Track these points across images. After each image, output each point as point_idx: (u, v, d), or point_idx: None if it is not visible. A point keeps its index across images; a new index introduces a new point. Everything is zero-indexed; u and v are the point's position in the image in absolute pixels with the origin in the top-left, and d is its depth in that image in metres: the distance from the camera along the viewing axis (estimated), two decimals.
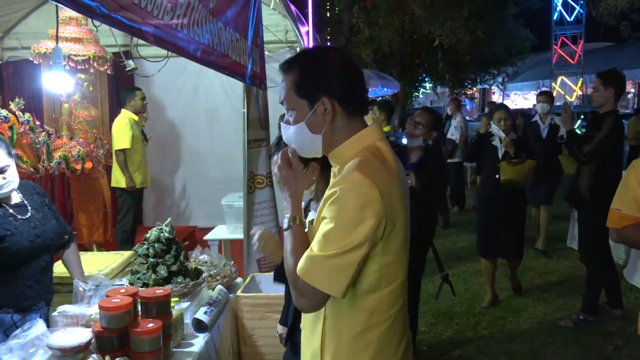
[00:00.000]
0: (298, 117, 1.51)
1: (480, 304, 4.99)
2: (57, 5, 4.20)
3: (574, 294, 5.04)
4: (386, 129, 5.69)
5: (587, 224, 4.40)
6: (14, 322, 2.24)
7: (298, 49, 6.91)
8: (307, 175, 2.11)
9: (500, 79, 21.25)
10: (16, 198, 2.34)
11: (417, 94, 20.11)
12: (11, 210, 2.26)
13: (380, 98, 13.57)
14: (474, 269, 6.00)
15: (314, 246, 1.41)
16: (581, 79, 17.96)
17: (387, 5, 13.59)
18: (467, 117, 10.93)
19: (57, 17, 4.26)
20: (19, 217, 2.29)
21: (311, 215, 2.18)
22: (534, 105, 7.02)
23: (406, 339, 1.56)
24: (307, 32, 7.15)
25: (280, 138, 2.94)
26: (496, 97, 26.62)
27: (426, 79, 19.67)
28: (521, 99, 27.05)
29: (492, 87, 24.14)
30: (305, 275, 1.40)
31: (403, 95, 16.13)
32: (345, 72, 1.50)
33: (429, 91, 22.29)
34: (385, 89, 12.33)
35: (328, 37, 10.39)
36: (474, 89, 23.71)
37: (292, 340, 2.19)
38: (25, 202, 2.36)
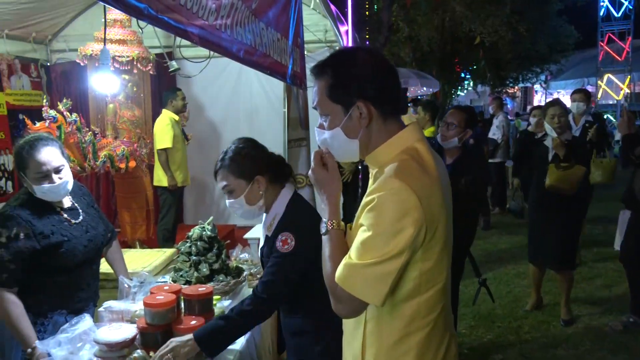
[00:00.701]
0: (333, 123, 1.48)
1: (523, 307, 4.87)
2: (104, 7, 4.31)
3: (621, 299, 4.88)
4: (430, 129, 5.60)
5: (637, 226, 4.24)
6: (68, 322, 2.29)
7: (337, 49, 6.89)
8: (253, 191, 2.05)
9: (543, 77, 20.71)
10: (68, 201, 2.37)
11: (457, 93, 19.81)
12: (65, 215, 2.30)
13: (420, 97, 13.44)
14: (516, 271, 5.88)
15: (353, 254, 1.39)
16: (629, 76, 17.36)
17: (426, 3, 13.43)
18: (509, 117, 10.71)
19: (105, 18, 4.37)
20: (73, 221, 2.32)
21: (265, 231, 2.12)
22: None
23: (447, 342, 1.53)
24: (347, 32, 7.14)
25: None
26: (539, 97, 26.00)
27: (466, 78, 19.36)
28: (565, 97, 26.39)
29: (535, 86, 23.56)
30: (344, 283, 1.39)
31: (443, 94, 15.92)
32: (379, 73, 1.46)
33: (467, 91, 21.94)
34: (424, 88, 12.18)
35: (367, 36, 10.33)
36: (516, 87, 23.20)
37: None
38: (76, 204, 2.39)
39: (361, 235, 1.38)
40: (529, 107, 23.60)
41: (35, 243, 2.16)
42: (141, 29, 4.72)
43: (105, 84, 4.51)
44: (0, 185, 5.81)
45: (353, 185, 6.09)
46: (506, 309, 4.88)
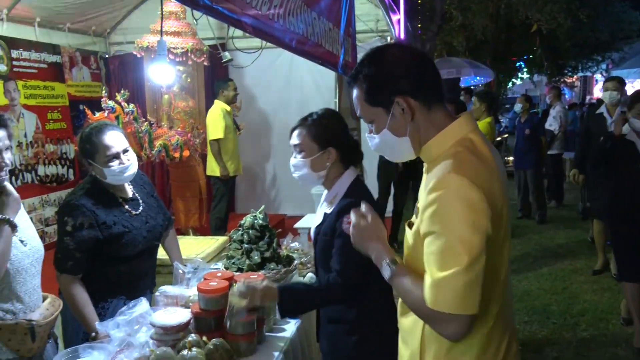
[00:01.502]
0: (379, 126, 1.45)
1: (580, 304, 4.71)
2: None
3: None
4: (486, 120, 5.46)
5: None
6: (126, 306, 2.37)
7: (389, 38, 6.83)
8: (321, 159, 2.06)
9: (604, 66, 19.82)
10: (129, 192, 2.42)
11: (512, 82, 19.26)
12: (127, 206, 2.36)
13: (474, 87, 13.14)
14: (572, 267, 5.69)
15: (432, 268, 1.30)
16: None
17: None
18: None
19: (162, 10, 4.46)
20: (133, 212, 2.37)
21: (324, 208, 2.14)
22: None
23: (508, 339, 1.47)
24: (398, 21, 7.04)
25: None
26: (599, 86, 24.95)
27: (522, 67, 18.78)
28: (628, 86, 25.18)
29: (595, 75, 22.61)
30: (436, 305, 1.29)
31: (497, 84, 15.52)
32: (410, 65, 1.42)
33: (523, 80, 21.29)
34: (478, 78, 11.91)
35: (419, 25, 10.16)
36: (575, 77, 22.34)
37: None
38: (137, 194, 2.45)
39: (434, 244, 1.30)
40: (588, 98, 22.72)
41: (98, 233, 2.23)
42: (195, 20, 4.81)
43: (161, 75, 4.63)
44: (63, 173, 6.07)
45: (405, 178, 6.03)
46: (562, 305, 4.73)
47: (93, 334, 2.11)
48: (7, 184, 1.91)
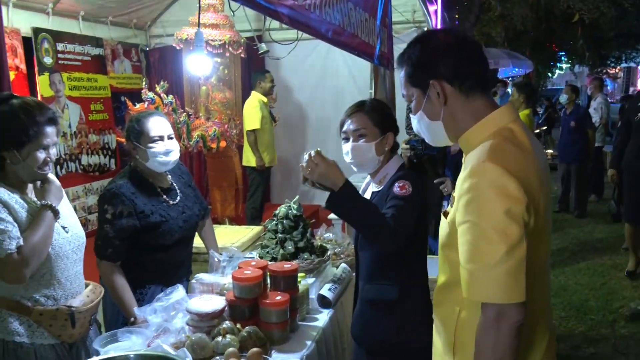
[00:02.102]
0: (417, 107, 1.48)
1: (619, 300, 4.57)
2: None
3: None
4: (525, 112, 5.33)
5: None
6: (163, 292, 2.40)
7: (425, 29, 6.72)
8: (382, 144, 2.08)
9: None
10: (167, 182, 2.46)
11: (551, 73, 18.73)
12: (165, 196, 2.40)
13: (511, 78, 12.84)
14: (612, 262, 5.53)
15: (468, 258, 1.27)
16: None
17: None
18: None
19: (200, 3, 4.50)
20: (171, 202, 2.41)
21: (372, 188, 2.15)
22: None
23: (549, 334, 1.43)
24: (435, 11, 6.92)
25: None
26: None
27: (562, 58, 18.23)
28: None
29: (639, 66, 21.80)
30: (476, 295, 1.27)
31: (536, 75, 15.12)
32: (450, 51, 1.42)
33: (565, 71, 20.69)
34: (516, 69, 11.61)
35: (457, 16, 9.97)
36: (618, 67, 21.59)
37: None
38: (174, 184, 2.48)
39: (468, 233, 1.28)
40: (631, 89, 21.93)
41: (136, 221, 2.27)
42: (232, 12, 4.82)
43: (199, 66, 4.67)
44: (105, 162, 6.22)
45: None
46: (600, 301, 4.60)
47: (132, 319, 2.16)
48: (50, 174, 1.96)
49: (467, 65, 1.42)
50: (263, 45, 5.75)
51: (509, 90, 11.05)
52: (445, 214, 1.45)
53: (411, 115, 1.54)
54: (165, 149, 2.30)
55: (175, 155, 2.35)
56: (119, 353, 1.69)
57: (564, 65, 19.28)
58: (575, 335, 4.05)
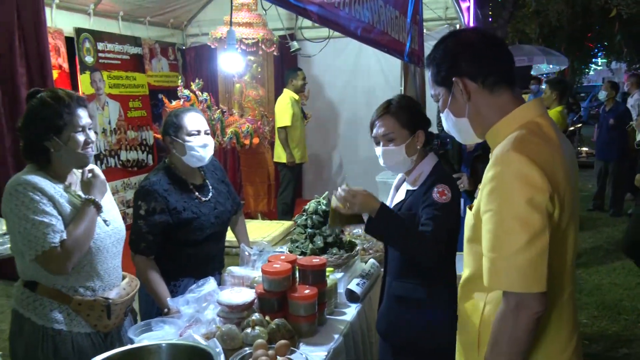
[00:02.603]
0: (443, 105, 1.49)
1: None
2: None
3: None
4: (557, 109, 5.20)
5: None
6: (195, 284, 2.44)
7: (458, 26, 6.62)
8: (413, 143, 2.03)
9: None
10: (200, 178, 2.48)
11: (587, 70, 18.24)
12: (197, 193, 2.42)
13: (545, 76, 12.56)
14: None
15: (490, 247, 1.26)
16: None
17: None
18: None
19: (231, 1, 4.53)
20: (203, 199, 2.42)
21: (406, 187, 2.10)
22: None
23: (577, 332, 1.40)
24: (468, 8, 6.81)
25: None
26: None
27: (599, 54, 17.73)
28: None
29: None
30: (497, 283, 1.26)
31: (571, 71, 14.74)
32: (471, 48, 1.42)
33: (601, 67, 20.09)
34: (550, 66, 11.35)
35: (490, 13, 9.80)
36: None
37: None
38: (207, 181, 2.50)
39: (491, 222, 1.27)
40: None
41: (168, 217, 2.30)
42: (265, 10, 4.85)
43: (231, 64, 4.71)
44: (142, 158, 6.35)
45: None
46: (635, 301, 4.46)
47: (165, 309, 2.19)
48: (95, 167, 2.00)
49: (489, 61, 1.41)
50: (295, 43, 5.77)
51: (543, 87, 10.76)
52: (471, 207, 1.44)
53: (442, 113, 1.54)
54: (202, 143, 2.33)
55: (210, 151, 2.38)
56: (152, 342, 1.73)
57: (601, 62, 18.74)
58: (609, 336, 3.94)
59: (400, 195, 2.12)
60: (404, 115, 2.04)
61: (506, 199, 1.24)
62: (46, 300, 1.85)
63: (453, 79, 1.42)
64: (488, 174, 1.29)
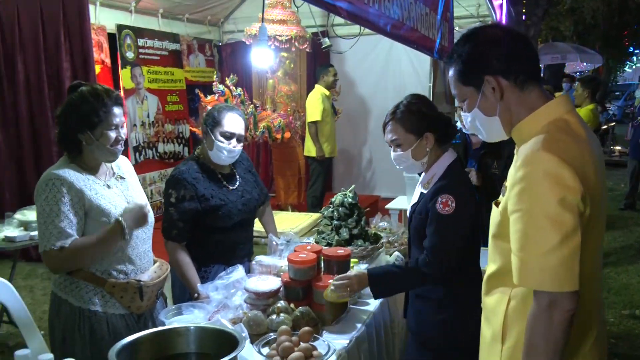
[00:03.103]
0: (471, 105, 1.42)
1: None
2: None
3: None
4: (589, 107, 5.07)
5: None
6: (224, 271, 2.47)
7: (490, 23, 6.50)
8: (421, 146, 1.98)
9: None
10: (228, 167, 2.50)
11: (623, 68, 17.66)
12: (224, 182, 2.44)
13: (578, 74, 12.22)
14: None
15: (520, 246, 1.23)
16: None
17: None
18: None
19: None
20: (230, 187, 2.45)
21: (421, 188, 2.06)
22: None
23: (597, 329, 1.37)
24: (500, 5, 6.68)
25: None
26: None
27: (635, 53, 17.14)
28: None
29: None
30: (528, 283, 1.24)
31: (606, 70, 14.31)
32: (503, 45, 1.36)
33: (638, 65, 19.43)
34: (584, 64, 11.04)
35: (523, 10, 9.57)
36: None
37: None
38: (234, 170, 2.53)
39: (521, 222, 1.23)
40: None
41: (197, 205, 2.33)
42: (297, 7, 4.85)
43: (263, 59, 4.74)
44: (179, 150, 6.46)
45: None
46: None
47: (195, 294, 2.23)
48: (147, 205, 2.02)
49: (519, 58, 1.37)
50: (326, 39, 5.77)
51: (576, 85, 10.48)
52: (497, 204, 1.41)
53: (462, 114, 1.50)
54: (230, 148, 2.35)
55: (234, 158, 2.41)
56: (181, 325, 1.77)
57: (637, 60, 18.13)
58: (636, 335, 3.83)
59: (415, 197, 2.10)
60: (409, 120, 1.99)
61: (537, 199, 1.21)
62: (82, 283, 1.91)
63: (485, 77, 1.36)
64: (518, 173, 1.25)
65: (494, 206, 1.42)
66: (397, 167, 2.09)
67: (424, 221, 1.97)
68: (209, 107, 2.53)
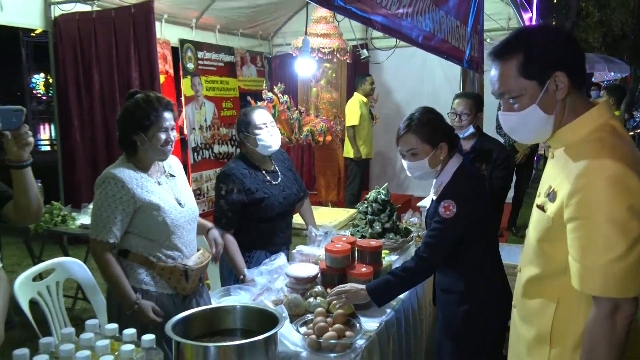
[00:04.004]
0: (527, 101, 1.24)
1: None
2: (307, 4, 4.53)
3: None
4: (615, 113, 4.88)
5: None
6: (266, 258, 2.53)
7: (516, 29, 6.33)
8: (435, 156, 1.93)
9: None
10: (271, 165, 2.57)
11: None
12: (268, 177, 2.51)
13: (605, 82, 11.73)
14: None
15: (583, 253, 1.13)
16: None
17: None
18: None
19: (307, 13, 4.61)
20: (273, 182, 2.51)
21: (432, 195, 2.03)
22: None
23: None
24: (530, 19, 6.51)
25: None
26: None
27: None
28: None
29: None
30: (592, 289, 1.14)
31: (634, 79, 13.66)
32: (570, 45, 1.24)
33: None
34: (612, 73, 10.58)
35: (553, 23, 9.27)
36: None
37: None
38: (277, 168, 2.58)
39: (584, 229, 1.13)
40: None
41: (244, 197, 2.39)
42: (337, 22, 4.87)
43: (305, 68, 4.80)
44: (232, 151, 6.59)
45: (527, 166, 5.63)
46: None
47: (242, 277, 2.28)
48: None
49: (580, 59, 1.25)
50: (365, 51, 5.77)
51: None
52: (540, 207, 1.29)
53: (505, 113, 1.30)
54: (269, 134, 2.42)
55: (277, 139, 2.45)
56: (229, 304, 1.81)
57: None
58: None
59: (428, 204, 2.10)
60: (425, 131, 1.95)
61: (603, 206, 1.11)
62: (136, 265, 1.97)
63: (555, 72, 1.20)
64: (579, 181, 1.13)
65: (537, 210, 1.30)
66: (411, 175, 2.05)
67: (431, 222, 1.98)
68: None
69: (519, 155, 5.28)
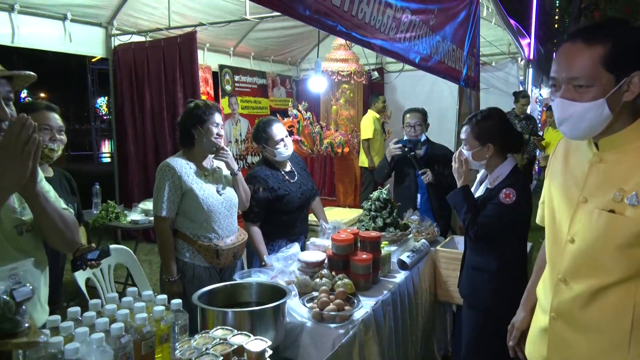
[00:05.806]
0: (598, 93, 1.07)
1: None
2: (318, 32, 4.67)
3: None
4: None
5: None
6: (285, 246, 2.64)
7: (519, 60, 6.32)
8: (481, 152, 2.01)
9: None
10: (288, 166, 2.70)
11: None
12: (287, 177, 2.64)
13: None
14: None
15: None
16: None
17: (618, 13, 11.30)
18: None
19: (319, 39, 4.75)
20: (291, 180, 2.64)
21: (486, 184, 2.09)
22: None
23: None
24: (528, 44, 6.47)
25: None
26: None
27: None
28: None
29: None
30: None
31: None
32: None
33: None
34: None
35: (554, 49, 9.17)
36: None
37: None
38: (293, 169, 2.71)
39: None
40: None
41: (268, 194, 2.52)
42: (349, 47, 4.98)
43: (316, 85, 4.96)
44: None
45: (527, 172, 5.59)
46: None
47: (263, 262, 2.40)
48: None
49: None
50: (375, 73, 5.88)
51: None
52: (619, 212, 1.10)
53: (564, 100, 1.11)
54: (285, 146, 2.56)
55: (290, 148, 2.59)
56: (246, 280, 1.93)
57: None
58: None
59: (481, 191, 2.15)
60: (477, 128, 2.04)
61: None
62: (180, 241, 2.19)
63: (634, 73, 1.05)
64: None
65: (618, 216, 1.11)
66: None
67: (484, 204, 2.05)
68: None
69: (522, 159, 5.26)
